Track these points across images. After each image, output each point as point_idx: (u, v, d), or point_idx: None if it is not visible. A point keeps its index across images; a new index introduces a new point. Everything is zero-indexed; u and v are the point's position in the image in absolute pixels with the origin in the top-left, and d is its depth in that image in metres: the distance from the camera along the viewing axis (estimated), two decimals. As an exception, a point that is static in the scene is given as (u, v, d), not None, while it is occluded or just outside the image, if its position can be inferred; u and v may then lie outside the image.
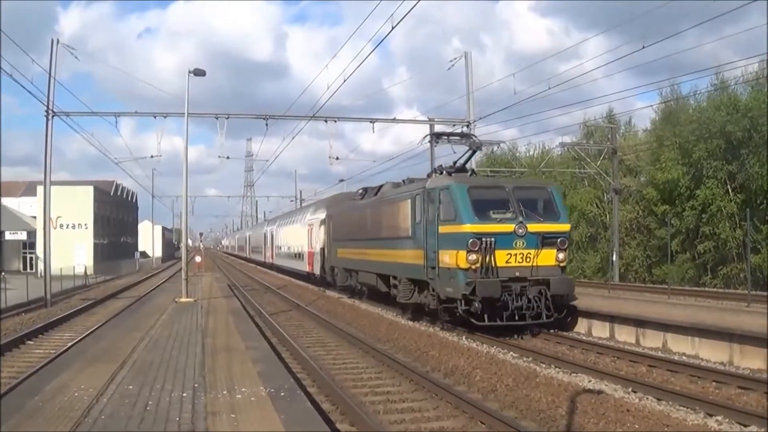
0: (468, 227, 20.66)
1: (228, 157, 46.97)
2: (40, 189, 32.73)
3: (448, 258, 21.27)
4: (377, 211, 29.35)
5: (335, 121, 38.65)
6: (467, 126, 36.38)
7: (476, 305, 20.20)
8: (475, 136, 27.15)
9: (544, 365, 16.23)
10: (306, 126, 41.70)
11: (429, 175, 26.03)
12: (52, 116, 33.35)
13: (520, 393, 13.28)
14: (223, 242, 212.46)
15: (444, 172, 24.72)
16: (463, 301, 20.54)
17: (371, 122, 38.85)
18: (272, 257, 71.59)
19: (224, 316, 25.71)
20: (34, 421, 10.12)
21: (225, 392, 12.03)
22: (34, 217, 66.15)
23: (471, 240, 20.40)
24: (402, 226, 25.48)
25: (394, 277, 26.83)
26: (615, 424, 10.90)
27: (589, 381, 14.47)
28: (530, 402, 12.59)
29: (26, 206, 76.24)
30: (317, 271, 44.47)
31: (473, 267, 20.42)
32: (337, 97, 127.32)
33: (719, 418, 11.46)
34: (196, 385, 12.70)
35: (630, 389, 13.71)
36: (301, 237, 51.51)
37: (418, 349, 18.96)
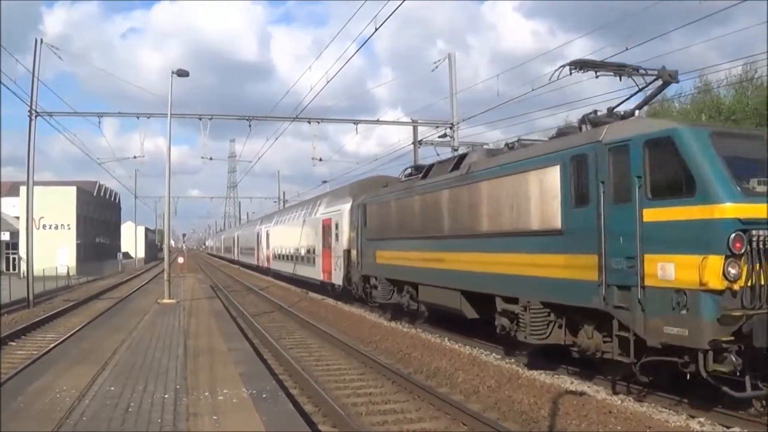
0: (728, 209, 10.94)
1: (211, 158, 46.67)
2: (23, 189, 32.48)
3: (674, 270, 11.55)
4: (467, 194, 18.80)
5: (318, 123, 38.53)
6: (450, 128, 36.38)
7: (733, 360, 10.87)
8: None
9: (526, 367, 16.15)
10: (290, 127, 41.45)
11: (586, 124, 15.83)
12: (36, 116, 33.15)
13: (503, 394, 13.28)
14: (207, 243, 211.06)
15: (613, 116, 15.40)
16: (705, 355, 11.15)
17: (355, 123, 38.76)
18: (268, 261, 61.71)
19: (206, 317, 25.64)
20: (17, 421, 10.06)
21: (207, 394, 11.99)
22: (17, 218, 65.86)
23: (734, 234, 10.90)
24: (534, 214, 15.55)
25: (508, 299, 16.68)
26: (597, 426, 10.90)
27: (572, 383, 14.41)
28: (513, 403, 12.59)
29: (9, 206, 75.72)
30: (338, 280, 33.91)
31: (733, 287, 10.93)
32: (322, 98, 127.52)
33: (702, 419, 11.42)
34: (178, 386, 12.65)
35: (612, 391, 13.70)
36: (311, 236, 41.45)
37: (401, 351, 18.92)
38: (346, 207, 33.07)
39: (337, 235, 34.42)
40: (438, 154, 35.35)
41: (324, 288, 38.56)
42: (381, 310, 27.71)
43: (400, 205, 24.01)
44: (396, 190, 24.92)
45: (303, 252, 44.43)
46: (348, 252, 32.15)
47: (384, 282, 25.92)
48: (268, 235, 62.15)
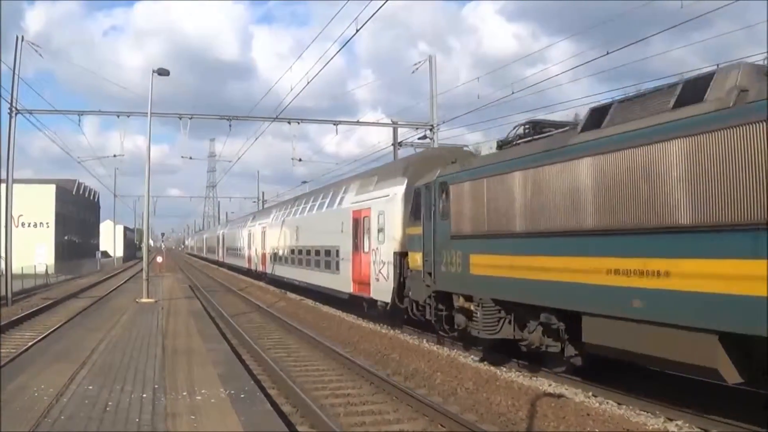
0: None
1: (191, 158, 46.95)
2: (2, 187, 32.21)
3: None
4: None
5: (298, 123, 38.49)
6: (430, 129, 36.46)
7: None
8: None
9: (504, 369, 16.26)
10: (270, 127, 41.34)
11: None
12: (16, 114, 32.92)
13: (481, 396, 13.34)
14: (186, 243, 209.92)
15: None
16: None
17: (335, 124, 38.78)
18: (263, 264, 52.02)
19: (185, 317, 25.53)
20: (-7, 421, 9.97)
21: (185, 394, 11.96)
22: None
23: None
24: None
25: None
26: (575, 428, 10.95)
27: (549, 385, 14.48)
28: (491, 405, 12.64)
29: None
30: (382, 295, 24.33)
31: None
32: (302, 99, 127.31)
33: (679, 422, 11.42)
34: (156, 386, 12.61)
35: (590, 393, 13.72)
36: (331, 233, 31.51)
37: (379, 352, 18.97)
38: (397, 192, 24.06)
39: (380, 232, 25.09)
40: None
41: (353, 304, 28.72)
42: (472, 345, 18.86)
43: (539, 178, 14.24)
44: (519, 156, 15.34)
45: (318, 254, 34.21)
46: (401, 256, 22.95)
47: (488, 305, 16.15)
48: (263, 233, 52.04)
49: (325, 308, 31.09)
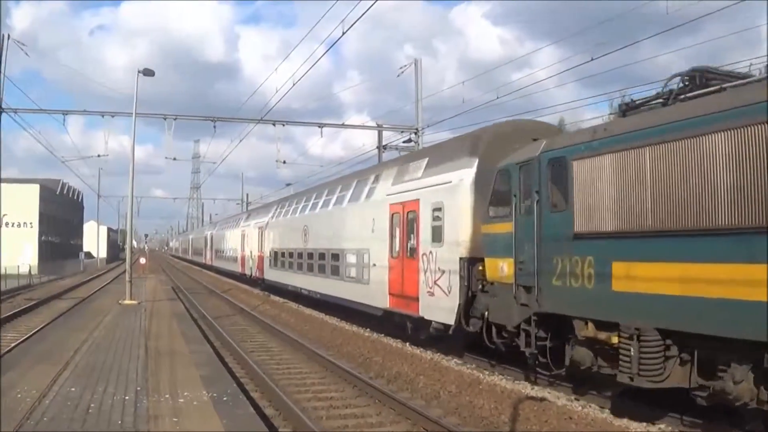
0: None
1: (175, 159, 46.52)
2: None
3: None
4: None
5: (283, 125, 38.55)
6: (415, 133, 36.49)
7: None
8: None
9: (487, 372, 16.21)
10: (255, 129, 41.29)
11: None
12: (1, 113, 32.71)
13: (464, 399, 13.33)
14: (171, 244, 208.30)
15: None
16: None
17: (320, 127, 38.82)
18: (260, 269, 45.41)
19: (168, 319, 25.40)
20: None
21: (167, 396, 11.91)
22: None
23: None
24: None
25: None
26: (557, 431, 10.95)
27: (532, 388, 14.44)
28: (473, 408, 12.63)
29: (-30, 204, 74.37)
30: (442, 316, 18.45)
31: None
32: (288, 101, 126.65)
33: (662, 426, 11.45)
34: (138, 388, 12.53)
35: (573, 397, 13.66)
36: (358, 232, 25.63)
37: (362, 355, 18.94)
38: (464, 177, 18.08)
39: (435, 231, 19.21)
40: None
41: (389, 323, 22.73)
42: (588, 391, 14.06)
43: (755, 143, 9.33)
44: (721, 110, 9.95)
45: (337, 259, 28.04)
46: (469, 262, 17.36)
47: (649, 338, 10.87)
48: (261, 233, 45.16)
49: (308, 311, 30.95)
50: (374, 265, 23.38)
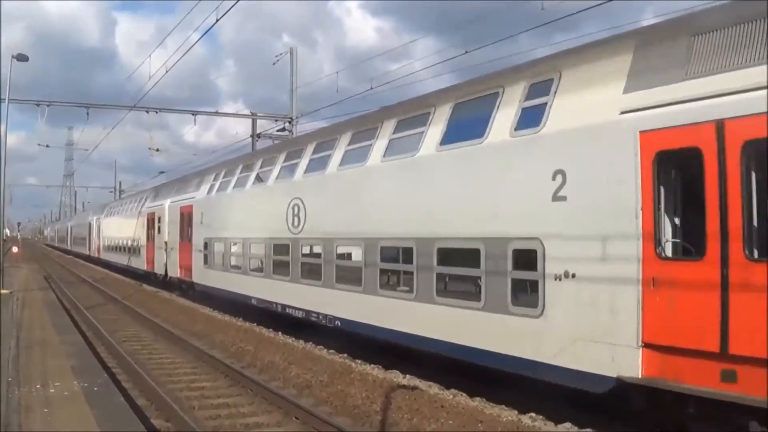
0: None
1: (48, 146, 45.19)
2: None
3: None
4: None
5: (156, 113, 38.02)
6: (290, 122, 36.44)
7: None
8: None
9: (359, 362, 16.21)
10: (130, 116, 40.44)
11: None
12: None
13: (336, 388, 13.37)
14: (45, 233, 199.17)
15: None
16: None
17: (193, 114, 38.43)
18: (185, 268, 31.75)
19: (40, 309, 24.61)
20: None
21: (39, 386, 11.64)
22: None
23: None
24: None
25: None
26: (429, 420, 11.02)
27: (404, 377, 14.54)
28: (345, 397, 12.67)
29: None
30: None
31: None
32: (163, 88, 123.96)
33: (533, 414, 11.61)
34: (9, 379, 12.20)
35: (444, 386, 13.72)
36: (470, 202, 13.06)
37: (235, 345, 18.79)
38: None
39: None
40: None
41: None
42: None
43: None
44: None
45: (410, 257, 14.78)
46: None
47: None
48: (191, 215, 30.59)
49: (181, 300, 30.51)
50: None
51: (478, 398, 12.75)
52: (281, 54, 37.04)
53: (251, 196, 24.04)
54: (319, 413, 11.55)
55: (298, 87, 36.57)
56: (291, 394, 13.08)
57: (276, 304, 21.04)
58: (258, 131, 39.11)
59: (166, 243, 34.99)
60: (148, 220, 39.86)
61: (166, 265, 35.12)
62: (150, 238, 39.20)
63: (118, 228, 51.22)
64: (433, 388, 13.43)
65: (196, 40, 23.49)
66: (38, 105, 35.87)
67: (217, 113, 42.39)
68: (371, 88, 28.43)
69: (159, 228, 36.79)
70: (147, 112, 37.11)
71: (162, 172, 64.98)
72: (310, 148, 20.04)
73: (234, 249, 25.44)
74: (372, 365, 15.72)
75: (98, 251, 62.86)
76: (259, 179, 23.53)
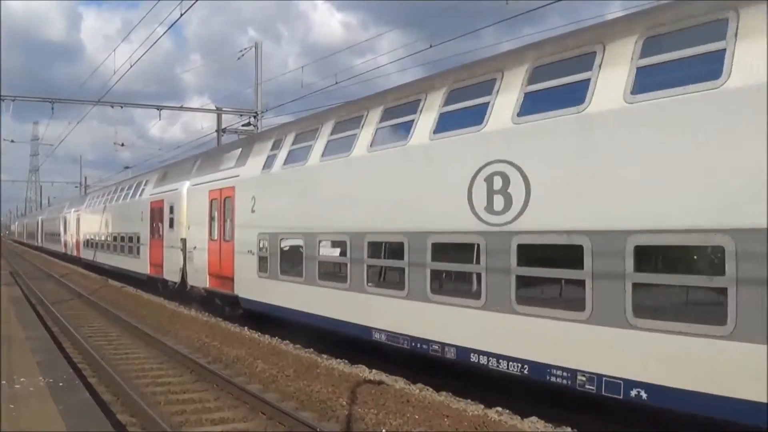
0: None
1: (13, 141, 44.65)
2: None
3: None
4: None
5: (122, 107, 37.72)
6: (255, 116, 36.32)
7: None
8: None
9: (325, 356, 16.13)
10: (95, 111, 40.12)
11: None
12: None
13: (301, 383, 13.28)
14: (12, 228, 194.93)
15: None
16: None
17: (158, 109, 38.09)
18: (225, 270, 22.66)
19: (4, 304, 24.25)
20: None
21: (3, 382, 11.47)
22: None
23: None
24: None
25: None
26: (395, 414, 10.96)
27: (370, 372, 14.45)
28: (311, 392, 12.59)
29: None
30: None
31: None
32: (129, 83, 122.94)
33: (499, 408, 11.55)
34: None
35: (410, 381, 13.66)
36: None
37: (200, 340, 18.67)
38: None
39: None
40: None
41: None
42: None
43: None
44: None
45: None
46: None
47: None
48: (243, 198, 21.17)
49: (147, 296, 30.19)
50: None
51: (444, 393, 12.67)
52: (246, 49, 36.86)
53: (373, 165, 14.98)
54: (285, 408, 11.50)
55: (263, 82, 36.44)
56: (257, 389, 13.04)
57: (445, 346, 12.60)
58: (223, 126, 38.92)
59: (183, 241, 26.34)
60: (152, 210, 30.99)
61: (183, 270, 26.47)
62: (155, 233, 30.30)
63: (105, 221, 42.43)
64: (399, 383, 13.34)
65: (160, 34, 23.29)
66: (2, 100, 35.41)
67: (182, 108, 41.98)
68: (336, 83, 28.45)
69: (171, 220, 27.97)
70: (112, 106, 36.89)
71: (127, 167, 62.53)
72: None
73: (329, 251, 16.70)
74: (338, 360, 15.64)
75: (77, 249, 54.60)
76: (392, 135, 14.82)
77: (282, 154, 19.13)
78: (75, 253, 54.71)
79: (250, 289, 20.54)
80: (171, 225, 27.89)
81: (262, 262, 19.59)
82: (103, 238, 42.96)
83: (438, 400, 11.95)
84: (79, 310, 26.41)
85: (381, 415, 11.00)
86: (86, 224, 49.98)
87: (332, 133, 16.87)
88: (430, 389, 13.00)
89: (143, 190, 33.87)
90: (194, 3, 18.74)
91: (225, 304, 23.09)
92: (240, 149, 22.96)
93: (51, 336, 18.12)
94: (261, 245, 19.66)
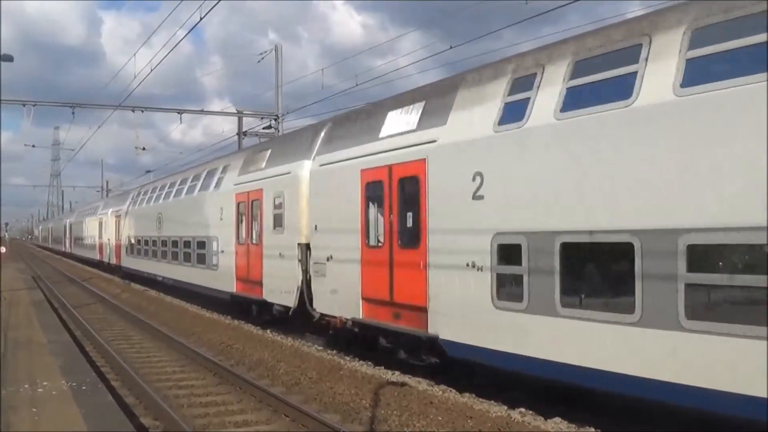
0: None
1: (34, 146, 44.76)
2: None
3: None
4: None
5: (142, 111, 37.60)
6: (275, 119, 36.14)
7: None
8: None
9: (348, 358, 15.81)
10: (115, 115, 40.09)
11: None
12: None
13: (324, 386, 13.06)
14: (36, 232, 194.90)
15: None
16: None
17: (179, 113, 37.92)
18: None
19: (27, 308, 24.23)
20: None
21: (26, 386, 11.34)
22: None
23: None
24: None
25: None
26: (419, 416, 10.73)
27: (393, 374, 14.15)
28: (334, 395, 12.39)
29: None
30: None
31: None
32: (149, 87, 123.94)
33: (522, 409, 11.24)
34: (-3, 379, 11.93)
35: (433, 382, 13.33)
36: None
37: (223, 342, 18.47)
38: None
39: None
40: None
41: None
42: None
43: None
44: None
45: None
46: None
47: None
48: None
49: (169, 299, 30.11)
50: None
51: (467, 394, 12.35)
52: (266, 52, 36.69)
53: None
54: (308, 410, 11.26)
55: (283, 84, 36.28)
56: (280, 392, 12.80)
57: None
58: (244, 129, 38.79)
59: (302, 247, 18.36)
60: (239, 205, 23.04)
61: (302, 290, 18.21)
62: (246, 237, 22.47)
63: (158, 223, 33.85)
64: (422, 385, 13.04)
65: (180, 38, 23.17)
66: (24, 105, 35.40)
67: (202, 111, 41.92)
68: (356, 84, 28.32)
69: (277, 218, 20.01)
70: (133, 111, 36.71)
71: (149, 171, 62.54)
72: None
73: None
74: (361, 362, 15.36)
75: (116, 257, 46.24)
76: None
77: (547, 98, 10.62)
78: (114, 261, 46.77)
79: (462, 328, 12.33)
80: (277, 224, 19.99)
81: (501, 283, 11.41)
82: (153, 244, 34.95)
83: (461, 402, 11.69)
84: (101, 313, 26.33)
85: (404, 417, 10.78)
86: (129, 227, 41.95)
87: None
88: (454, 391, 12.68)
89: (220, 179, 25.60)
90: (216, 4, 18.52)
91: (406, 350, 15.19)
92: (424, 101, 14.17)
93: (73, 339, 18.02)
94: (500, 255, 11.31)
